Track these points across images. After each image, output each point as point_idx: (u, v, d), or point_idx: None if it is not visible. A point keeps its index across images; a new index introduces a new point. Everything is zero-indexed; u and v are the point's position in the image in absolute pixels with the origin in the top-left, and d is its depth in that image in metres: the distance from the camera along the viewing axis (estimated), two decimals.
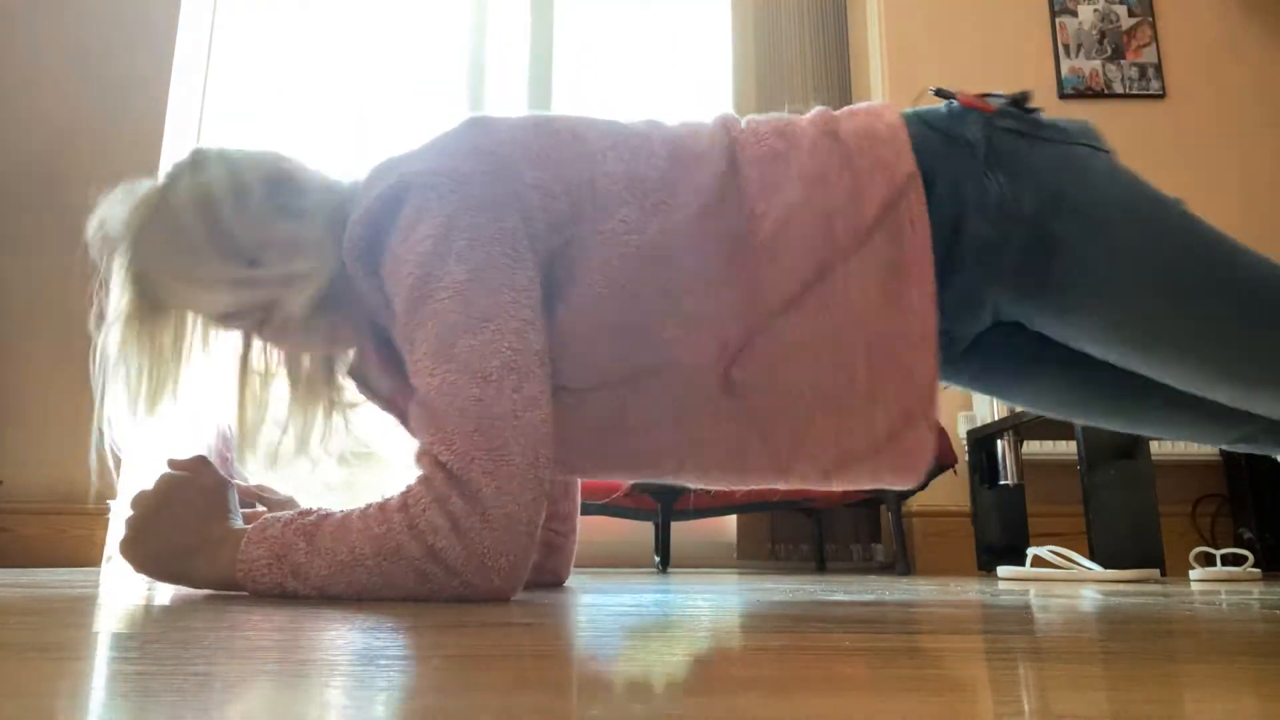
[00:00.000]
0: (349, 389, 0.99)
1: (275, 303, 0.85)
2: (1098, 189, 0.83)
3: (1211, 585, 1.35)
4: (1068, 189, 0.82)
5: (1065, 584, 1.40)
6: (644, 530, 2.29)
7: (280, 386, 0.94)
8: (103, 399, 0.90)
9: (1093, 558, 1.57)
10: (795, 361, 0.81)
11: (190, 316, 0.88)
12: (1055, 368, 0.94)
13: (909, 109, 0.90)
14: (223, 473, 0.85)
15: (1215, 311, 0.79)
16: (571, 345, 0.81)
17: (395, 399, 0.95)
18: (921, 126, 0.86)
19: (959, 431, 2.23)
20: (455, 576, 0.70)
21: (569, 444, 0.86)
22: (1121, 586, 1.29)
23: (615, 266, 0.81)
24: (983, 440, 2.08)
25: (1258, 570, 1.60)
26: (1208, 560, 2.00)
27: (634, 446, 0.86)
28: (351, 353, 0.98)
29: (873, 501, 2.12)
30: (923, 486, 2.04)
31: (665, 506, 1.91)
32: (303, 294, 0.84)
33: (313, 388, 0.95)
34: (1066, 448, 2.17)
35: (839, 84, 2.74)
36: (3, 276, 2.22)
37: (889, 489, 1.01)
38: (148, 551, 0.77)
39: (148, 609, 0.63)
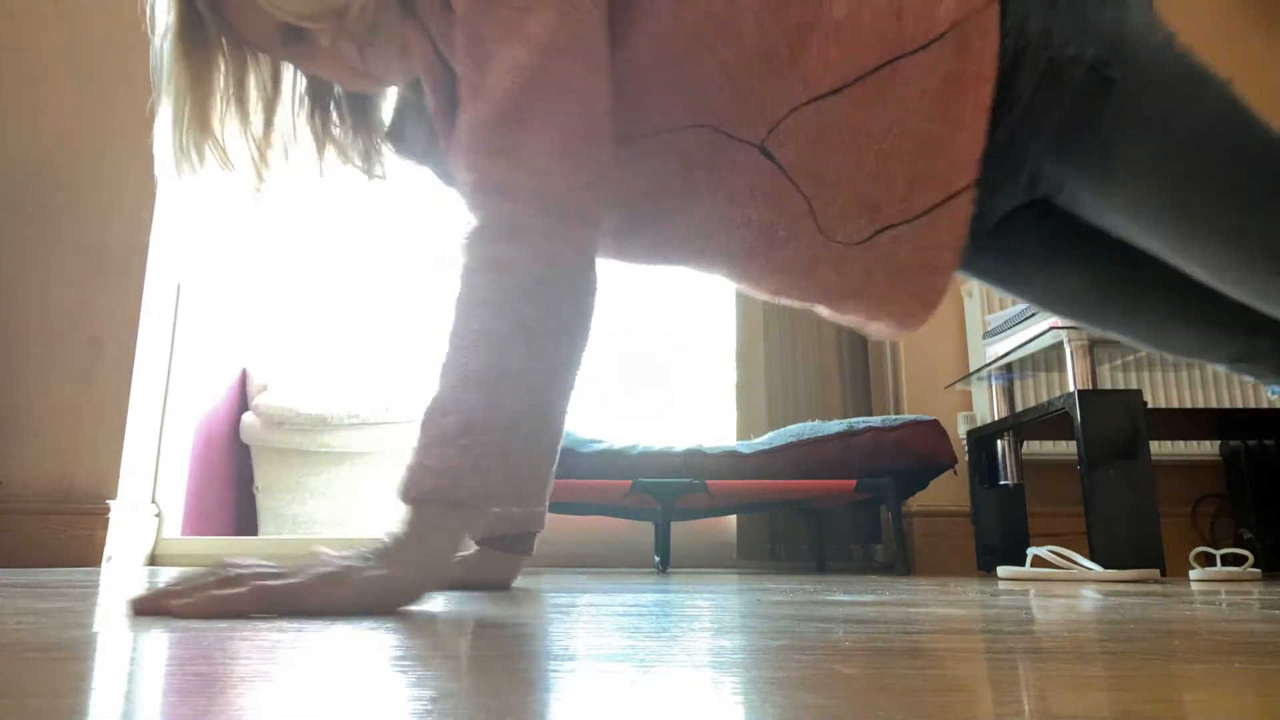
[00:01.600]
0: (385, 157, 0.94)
1: (343, 16, 0.79)
2: (1156, 46, 0.81)
3: (1211, 585, 1.35)
4: (1128, 38, 0.80)
5: (1065, 584, 1.40)
6: (644, 530, 2.29)
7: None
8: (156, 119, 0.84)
9: (1093, 558, 1.57)
10: (835, 145, 0.80)
11: (228, 50, 0.83)
12: (1077, 260, 0.92)
13: None
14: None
15: (1259, 187, 0.77)
16: (638, 76, 0.78)
17: (436, 147, 0.90)
18: None
19: (959, 431, 2.23)
20: (543, 239, 0.68)
21: (614, 204, 0.82)
22: (1121, 586, 1.29)
23: (683, 23, 0.77)
24: (983, 440, 2.08)
25: (1258, 570, 1.60)
26: (1208, 560, 2.00)
27: (674, 211, 0.84)
28: (389, 113, 0.93)
29: (873, 501, 2.12)
30: (922, 486, 2.05)
31: (665, 507, 1.91)
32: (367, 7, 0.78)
33: (341, 143, 0.91)
34: (1066, 448, 2.17)
35: None
36: (3, 276, 2.22)
37: (886, 328, 0.94)
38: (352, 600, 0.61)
39: (173, 610, 0.63)
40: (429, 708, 0.27)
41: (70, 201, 2.27)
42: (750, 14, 0.78)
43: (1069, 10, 0.80)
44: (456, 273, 0.69)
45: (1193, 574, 1.59)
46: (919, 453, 1.96)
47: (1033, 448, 2.17)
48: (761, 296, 0.95)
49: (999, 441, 2.04)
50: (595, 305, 0.73)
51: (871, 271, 0.86)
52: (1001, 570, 1.75)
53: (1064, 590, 1.16)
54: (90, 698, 0.28)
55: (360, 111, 0.94)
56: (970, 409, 2.27)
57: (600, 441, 1.99)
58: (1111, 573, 1.52)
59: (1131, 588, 1.24)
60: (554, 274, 0.69)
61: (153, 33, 0.84)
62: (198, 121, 0.83)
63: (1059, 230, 0.90)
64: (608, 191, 0.74)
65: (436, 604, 0.70)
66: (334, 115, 0.93)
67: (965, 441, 2.15)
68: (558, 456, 0.83)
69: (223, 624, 0.50)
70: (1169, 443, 2.19)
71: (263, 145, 0.87)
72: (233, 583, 0.59)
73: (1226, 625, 0.59)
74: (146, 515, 2.22)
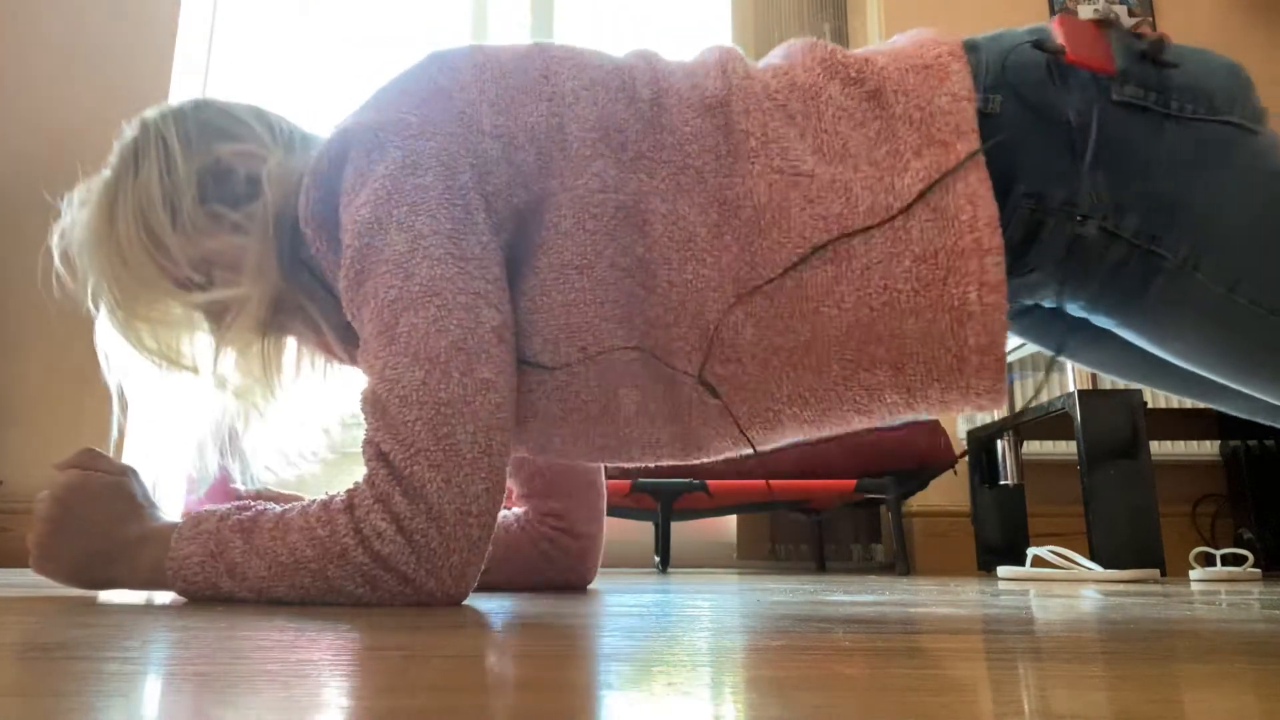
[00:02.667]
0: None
1: (226, 322, 0.79)
2: (1227, 194, 0.67)
3: (1211, 585, 1.35)
4: (1187, 196, 0.66)
5: (1065, 584, 1.40)
6: (644, 530, 2.29)
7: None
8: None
9: (1093, 558, 1.57)
10: (780, 358, 0.70)
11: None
12: (1100, 340, 0.84)
13: (989, 44, 0.72)
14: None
15: None
16: (542, 317, 0.72)
17: None
18: (1008, 95, 0.69)
19: (959, 431, 2.23)
20: (405, 582, 0.65)
21: (546, 426, 0.77)
22: (1121, 586, 1.29)
23: (588, 230, 0.71)
24: (983, 440, 2.08)
25: (1258, 570, 1.60)
26: (1208, 560, 2.00)
27: (615, 430, 0.77)
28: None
29: (873, 502, 2.12)
30: (922, 486, 2.05)
31: (665, 506, 1.91)
32: (247, 316, 0.78)
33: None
34: (1066, 448, 2.17)
35: None
36: (3, 276, 2.22)
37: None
38: (62, 567, 0.73)
39: (148, 609, 0.63)
40: (429, 708, 0.27)
41: None
42: (662, 200, 0.71)
43: (1108, 161, 0.67)
44: (327, 502, 0.67)
45: (1193, 574, 1.59)
46: (919, 453, 1.96)
47: (1033, 448, 2.17)
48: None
49: (999, 441, 2.04)
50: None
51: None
52: (1001, 570, 1.75)
53: (1064, 590, 1.16)
54: (90, 698, 0.28)
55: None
56: None
57: None
58: (1111, 573, 1.52)
59: (1131, 588, 1.24)
60: (413, 593, 0.66)
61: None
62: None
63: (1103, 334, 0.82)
64: (502, 490, 0.68)
65: (434, 605, 0.70)
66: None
67: (965, 441, 2.15)
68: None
69: (223, 623, 0.50)
70: (1169, 443, 2.19)
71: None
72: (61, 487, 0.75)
73: (1226, 625, 0.59)
74: None
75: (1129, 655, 0.42)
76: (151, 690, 0.29)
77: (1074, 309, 0.76)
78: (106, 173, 0.83)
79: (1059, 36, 0.70)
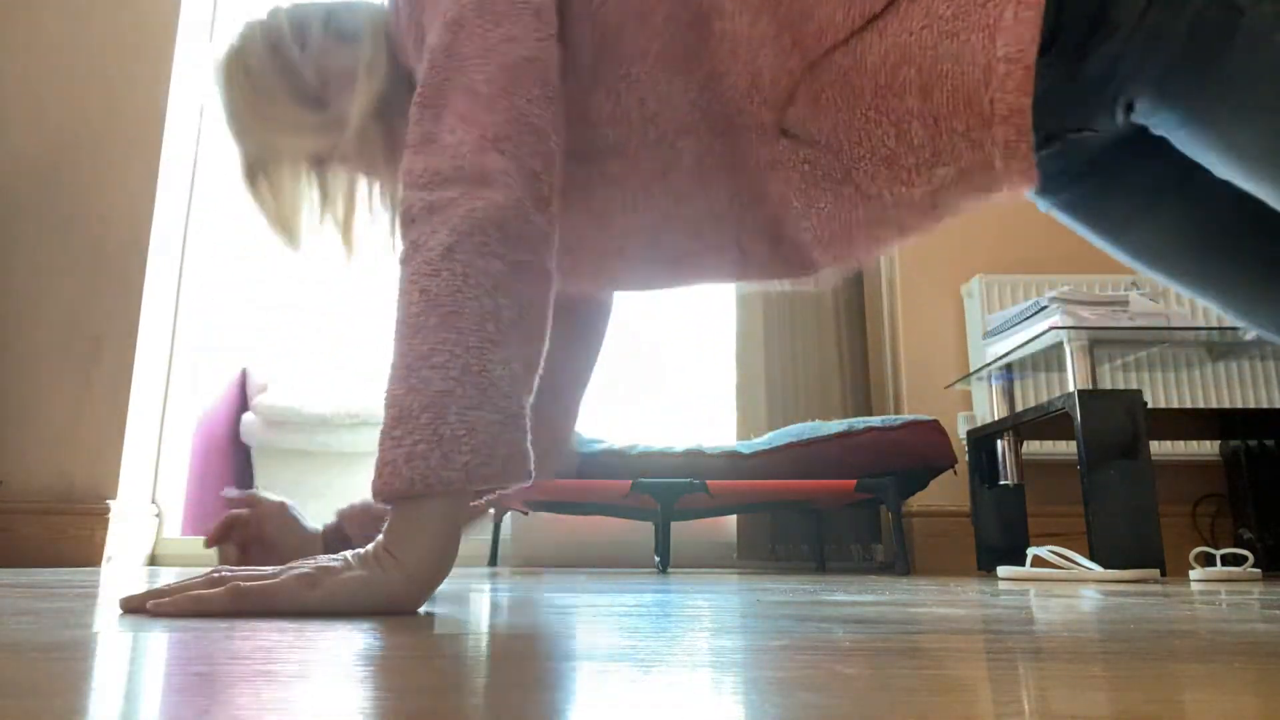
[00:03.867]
0: None
1: (346, 135, 0.84)
2: None
3: (1211, 585, 1.35)
4: None
5: (1065, 584, 1.40)
6: (644, 530, 2.29)
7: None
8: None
9: (1093, 558, 1.57)
10: (857, 107, 0.70)
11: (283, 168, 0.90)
12: (1177, 207, 0.79)
13: None
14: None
15: None
16: (606, 66, 0.74)
17: None
18: None
19: (959, 431, 2.24)
20: (470, 234, 0.64)
21: (607, 212, 0.78)
22: (1121, 586, 1.29)
23: None
24: (983, 440, 2.08)
25: (1258, 570, 1.60)
26: (1208, 560, 2.00)
27: (674, 206, 0.77)
28: None
29: (873, 501, 2.12)
30: (922, 486, 2.05)
31: (665, 507, 1.91)
32: (363, 111, 0.83)
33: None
34: (1066, 448, 2.17)
35: None
36: (3, 276, 2.22)
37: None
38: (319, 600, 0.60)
39: (147, 609, 0.63)
40: (429, 708, 0.27)
41: (71, 201, 2.27)
42: None
43: None
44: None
45: (1193, 574, 1.59)
46: (919, 453, 1.96)
47: (1033, 448, 2.17)
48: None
49: (999, 441, 2.04)
50: (537, 255, 0.67)
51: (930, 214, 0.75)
52: (1001, 570, 1.75)
53: (1064, 590, 1.16)
54: (90, 698, 0.28)
55: None
56: (970, 409, 2.27)
57: (600, 441, 1.99)
58: (1111, 573, 1.52)
59: (1131, 588, 1.24)
60: (461, 239, 0.64)
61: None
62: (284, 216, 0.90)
63: (1161, 173, 0.78)
64: (542, 135, 0.68)
65: (432, 604, 0.70)
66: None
67: (965, 441, 2.15)
68: (525, 428, 0.68)
69: (223, 623, 0.50)
70: (1169, 443, 2.19)
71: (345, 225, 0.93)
72: (217, 584, 0.59)
73: (1226, 625, 0.59)
74: (146, 515, 2.22)
75: (1129, 655, 0.42)
76: (151, 690, 0.29)
77: (1143, 104, 0.70)
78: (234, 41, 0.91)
79: None
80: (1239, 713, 0.28)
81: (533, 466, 0.64)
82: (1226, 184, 0.74)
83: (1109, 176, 0.81)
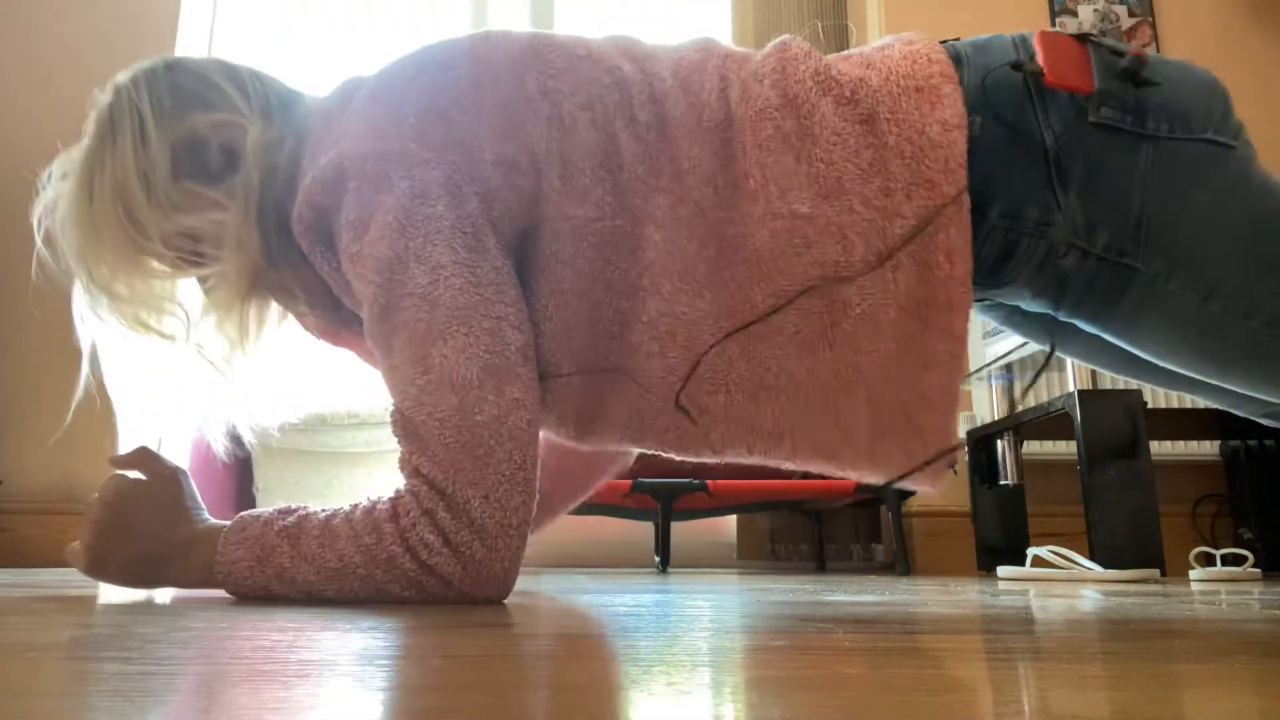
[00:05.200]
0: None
1: (207, 289, 0.81)
2: (1201, 211, 0.68)
3: (1211, 585, 1.35)
4: (1160, 214, 0.68)
5: (1065, 584, 1.40)
6: (644, 530, 2.29)
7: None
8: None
9: (1093, 558, 1.57)
10: (770, 396, 0.72)
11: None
12: (1099, 341, 0.87)
13: (974, 57, 0.74)
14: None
15: None
16: (542, 339, 0.75)
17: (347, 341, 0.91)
18: (987, 116, 0.71)
19: (959, 432, 2.24)
20: (450, 587, 0.68)
21: (561, 417, 0.80)
22: (1121, 586, 1.29)
23: (585, 257, 0.73)
24: (983, 440, 2.08)
25: (1258, 570, 1.60)
26: (1208, 560, 2.00)
27: (613, 431, 0.80)
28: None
29: (873, 501, 2.12)
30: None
31: (665, 506, 1.91)
32: (227, 288, 0.79)
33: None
34: (1066, 448, 2.17)
35: None
36: (3, 276, 2.22)
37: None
38: (113, 569, 0.74)
39: (148, 609, 0.63)
40: (429, 708, 0.27)
41: None
42: (658, 229, 0.72)
43: (1079, 180, 0.69)
44: (373, 507, 0.69)
45: (1193, 574, 1.59)
46: None
47: (1033, 448, 2.17)
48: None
49: (999, 441, 2.04)
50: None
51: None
52: (1001, 570, 1.75)
53: (1064, 590, 1.16)
54: (90, 698, 0.28)
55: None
56: (970, 409, 2.27)
57: None
58: (1111, 573, 1.52)
59: (1131, 588, 1.24)
60: (458, 597, 0.69)
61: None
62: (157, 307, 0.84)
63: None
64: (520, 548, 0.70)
65: (435, 605, 0.70)
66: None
67: (965, 441, 2.15)
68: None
69: (223, 624, 0.50)
70: (1169, 443, 2.19)
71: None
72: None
73: (1226, 625, 0.59)
74: None
75: (1129, 655, 0.42)
76: (151, 690, 0.29)
77: (1056, 314, 0.78)
78: (85, 142, 0.84)
79: (1040, 55, 0.72)
80: (1239, 713, 0.28)
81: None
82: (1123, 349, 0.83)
83: (1027, 317, 0.88)
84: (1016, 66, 0.72)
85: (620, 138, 0.73)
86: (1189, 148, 0.69)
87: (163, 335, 0.83)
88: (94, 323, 0.85)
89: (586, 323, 0.74)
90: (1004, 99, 0.71)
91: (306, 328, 0.91)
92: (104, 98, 0.84)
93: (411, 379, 0.69)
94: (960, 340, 0.69)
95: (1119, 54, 0.72)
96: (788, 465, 0.77)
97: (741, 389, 0.73)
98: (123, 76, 0.84)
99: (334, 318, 0.86)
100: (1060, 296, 0.74)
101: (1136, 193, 0.69)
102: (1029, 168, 0.70)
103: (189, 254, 0.81)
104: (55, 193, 0.84)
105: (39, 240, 0.85)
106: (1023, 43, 0.75)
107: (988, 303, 0.88)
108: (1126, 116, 0.69)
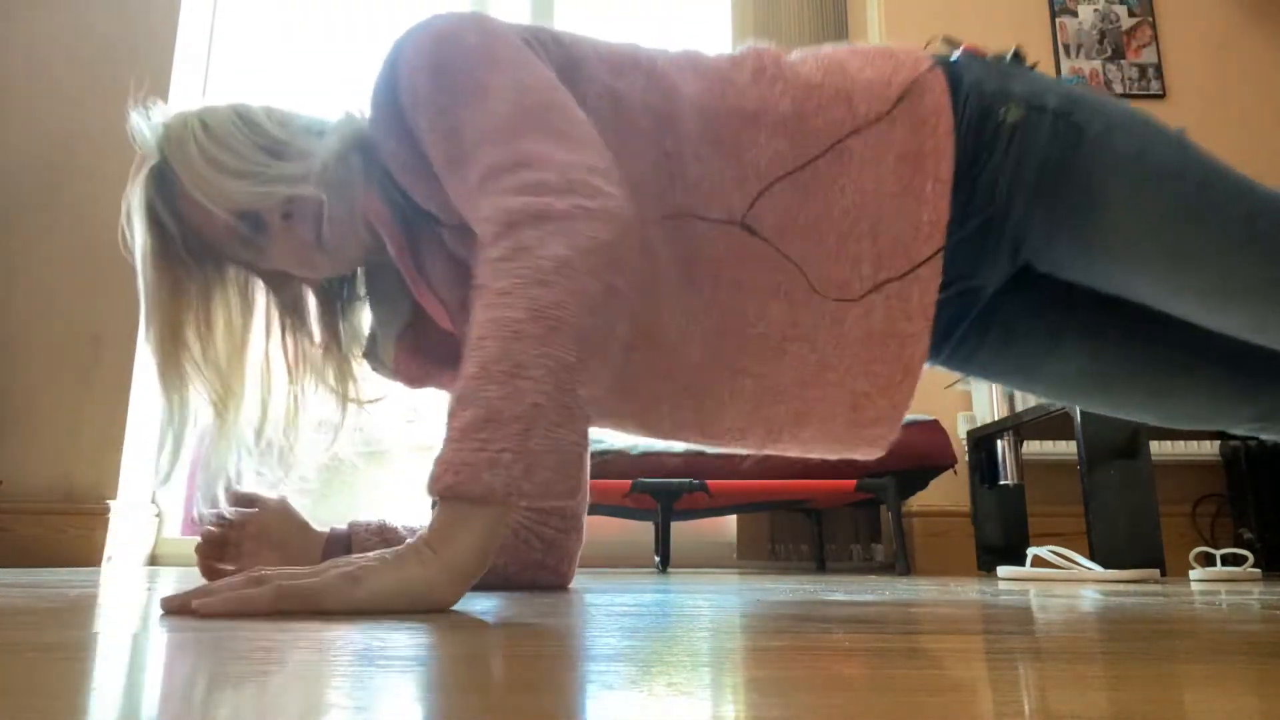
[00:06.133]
0: (362, 381, 0.97)
1: (294, 196, 0.84)
2: (1102, 99, 0.85)
3: (1211, 585, 1.35)
4: (1079, 93, 0.84)
5: (1065, 584, 1.40)
6: (644, 530, 2.29)
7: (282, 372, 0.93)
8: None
9: (1093, 558, 1.57)
10: (796, 232, 0.82)
11: (196, 269, 0.88)
12: (1080, 337, 0.92)
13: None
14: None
15: (1239, 216, 0.77)
16: None
17: (413, 360, 0.94)
18: (943, 68, 0.87)
19: (959, 431, 2.23)
20: (586, 253, 0.64)
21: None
22: (1121, 586, 1.29)
23: (622, 119, 0.81)
24: (983, 440, 2.08)
25: (1258, 570, 1.60)
26: (1208, 560, 2.00)
27: (654, 302, 0.81)
28: (366, 331, 0.97)
29: (873, 501, 2.12)
30: (922, 486, 2.05)
31: (665, 506, 1.91)
32: (321, 178, 0.84)
33: (316, 366, 0.95)
34: (1066, 448, 2.17)
35: None
36: (3, 277, 2.22)
37: (858, 455, 0.94)
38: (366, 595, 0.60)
39: (146, 609, 0.63)
40: (429, 708, 0.27)
41: (71, 201, 2.27)
42: (688, 104, 0.82)
43: (1020, 78, 0.85)
44: (483, 268, 0.66)
45: (1193, 574, 1.59)
46: (919, 453, 1.96)
47: (1033, 448, 2.17)
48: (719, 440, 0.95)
49: (999, 441, 2.04)
50: (628, 288, 0.67)
51: (845, 342, 0.84)
52: (1001, 570, 1.75)
53: (1064, 590, 1.16)
54: (90, 698, 0.28)
55: (333, 332, 0.98)
56: (970, 409, 2.27)
57: (600, 441, 1.99)
58: (1111, 573, 1.52)
59: (1131, 588, 1.24)
60: (575, 257, 0.64)
61: (132, 255, 0.87)
62: (170, 340, 0.86)
63: (1056, 309, 0.91)
64: (623, 189, 0.71)
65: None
66: (311, 333, 0.97)
67: (965, 441, 2.15)
68: (588, 458, 0.73)
69: (223, 623, 0.50)
70: (1169, 443, 2.19)
71: (226, 372, 0.89)
72: (259, 583, 0.59)
73: (1226, 625, 0.59)
74: (146, 515, 2.22)
75: (1129, 655, 0.42)
76: (151, 690, 0.29)
77: (1018, 226, 0.84)
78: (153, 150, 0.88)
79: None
80: (1239, 713, 0.28)
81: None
82: (1115, 320, 0.89)
83: (1008, 329, 0.93)
84: (947, 41, 0.91)
85: (645, 50, 0.86)
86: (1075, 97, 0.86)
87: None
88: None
89: (629, 158, 0.80)
90: (962, 63, 0.87)
91: (387, 367, 0.95)
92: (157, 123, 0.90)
93: (499, 136, 0.71)
94: (945, 184, 0.81)
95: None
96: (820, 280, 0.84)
97: (773, 233, 0.82)
98: (174, 117, 0.92)
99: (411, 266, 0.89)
100: (1025, 168, 0.82)
101: (1058, 84, 0.86)
102: (983, 69, 0.85)
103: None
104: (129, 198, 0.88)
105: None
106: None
107: (962, 344, 0.94)
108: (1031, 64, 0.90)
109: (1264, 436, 0.94)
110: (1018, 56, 0.89)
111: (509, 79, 0.74)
